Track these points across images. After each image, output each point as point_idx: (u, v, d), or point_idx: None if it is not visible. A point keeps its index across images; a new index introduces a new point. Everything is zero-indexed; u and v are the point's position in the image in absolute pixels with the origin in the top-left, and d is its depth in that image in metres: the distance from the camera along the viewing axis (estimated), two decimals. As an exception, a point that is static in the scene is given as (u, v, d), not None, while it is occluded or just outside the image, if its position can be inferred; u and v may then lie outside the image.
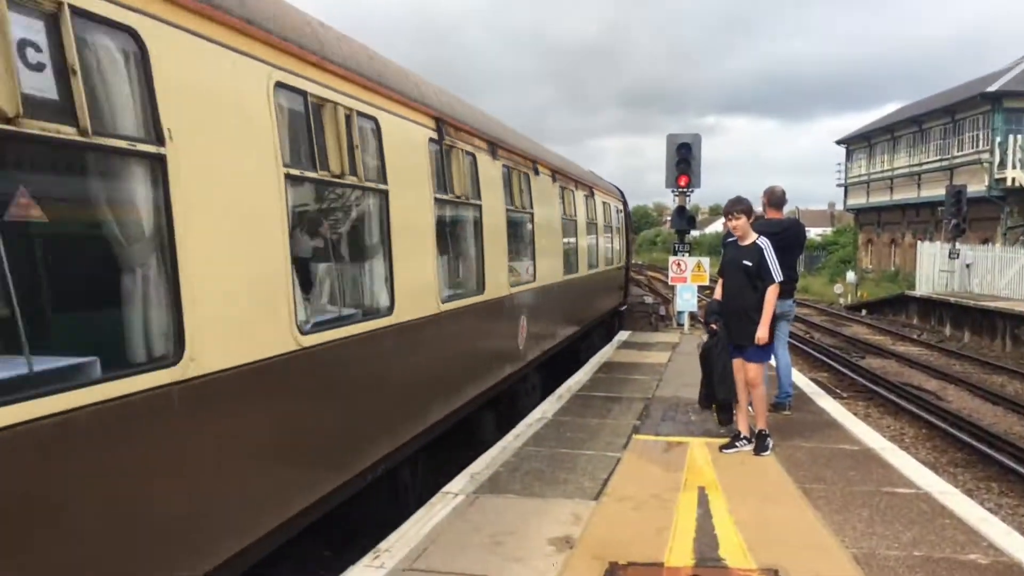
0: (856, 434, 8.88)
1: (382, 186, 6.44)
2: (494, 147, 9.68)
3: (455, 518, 6.06)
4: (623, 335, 18.50)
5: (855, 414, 11.46)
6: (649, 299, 28.12)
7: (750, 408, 8.19)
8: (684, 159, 18.76)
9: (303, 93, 5.30)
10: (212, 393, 4.22)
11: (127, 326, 3.92)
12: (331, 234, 6.11)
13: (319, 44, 5.56)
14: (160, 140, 3.94)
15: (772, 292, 7.69)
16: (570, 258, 14.48)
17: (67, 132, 3.44)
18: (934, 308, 29.96)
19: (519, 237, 11.08)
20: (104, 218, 3.86)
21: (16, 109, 3.16)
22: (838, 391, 16.78)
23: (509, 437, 8.52)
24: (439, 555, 5.36)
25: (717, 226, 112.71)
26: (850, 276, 43.18)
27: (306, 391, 5.23)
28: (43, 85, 3.41)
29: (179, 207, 4.02)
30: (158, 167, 3.94)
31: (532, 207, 11.49)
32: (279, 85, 5.00)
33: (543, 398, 10.97)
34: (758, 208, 9.24)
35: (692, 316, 20.38)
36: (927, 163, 44.48)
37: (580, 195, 15.88)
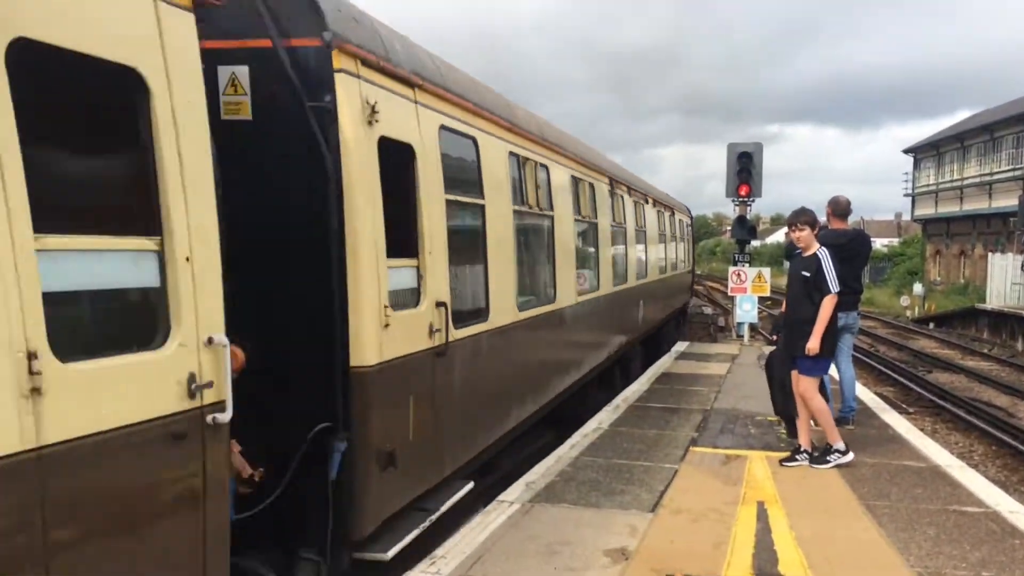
0: (922, 450, 8.64)
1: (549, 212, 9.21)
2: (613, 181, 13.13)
3: (510, 527, 6.07)
4: (681, 346, 18.31)
5: (922, 430, 11.17)
6: (708, 309, 27.78)
7: (814, 423, 8.04)
8: (745, 168, 18.58)
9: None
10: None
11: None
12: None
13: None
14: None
15: (828, 303, 7.54)
16: (657, 262, 18.26)
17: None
18: (1005, 322, 29.04)
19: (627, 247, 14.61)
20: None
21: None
22: (904, 406, 16.37)
23: (565, 447, 8.50)
24: (494, 563, 5.37)
25: (778, 236, 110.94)
26: (917, 288, 42.11)
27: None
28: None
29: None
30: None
31: (644, 225, 16.22)
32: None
33: (650, 362, 15.45)
34: (822, 218, 9.09)
35: (752, 327, 20.09)
36: (999, 172, 43.15)
37: (666, 215, 20.06)
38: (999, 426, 14.51)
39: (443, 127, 6.18)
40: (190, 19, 3.57)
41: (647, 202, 17.20)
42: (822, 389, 8.23)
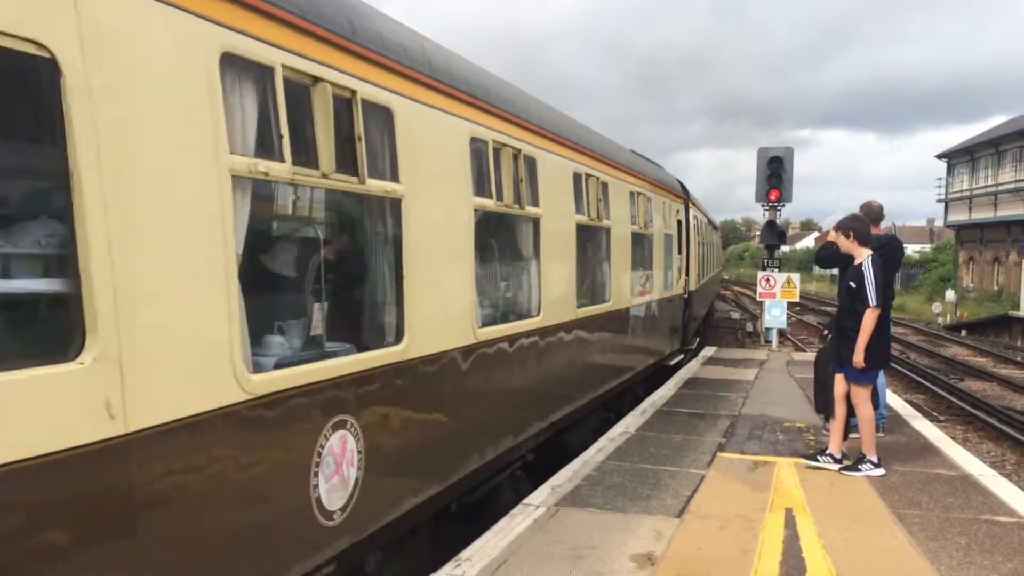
0: (954, 459, 8.53)
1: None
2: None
3: (536, 530, 6.06)
4: (708, 351, 18.21)
5: (953, 438, 11.03)
6: (736, 314, 27.59)
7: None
8: (775, 173, 18.48)
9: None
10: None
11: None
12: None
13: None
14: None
15: (868, 317, 7.50)
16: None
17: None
18: (1041, 330, 28.58)
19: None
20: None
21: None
22: (935, 414, 16.17)
23: (591, 451, 8.48)
24: (519, 566, 5.37)
25: (808, 242, 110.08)
26: (949, 295, 41.59)
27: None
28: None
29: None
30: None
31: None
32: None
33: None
34: None
35: (781, 333, 19.94)
36: (1035, 178, 42.46)
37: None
38: (1033, 436, 14.29)
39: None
40: None
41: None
42: (874, 398, 8.26)
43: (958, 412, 16.87)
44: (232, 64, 3.78)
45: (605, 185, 9.88)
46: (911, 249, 66.71)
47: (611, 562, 5.46)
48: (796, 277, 19.02)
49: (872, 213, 9.13)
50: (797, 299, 22.59)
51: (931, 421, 11.84)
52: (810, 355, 19.12)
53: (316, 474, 4.29)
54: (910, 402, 14.35)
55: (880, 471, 7.71)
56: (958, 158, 52.88)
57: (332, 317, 4.85)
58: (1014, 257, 43.39)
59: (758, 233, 26.84)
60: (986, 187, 48.16)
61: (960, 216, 52.12)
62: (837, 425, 7.97)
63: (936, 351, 27.18)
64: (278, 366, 4.18)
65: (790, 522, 6.33)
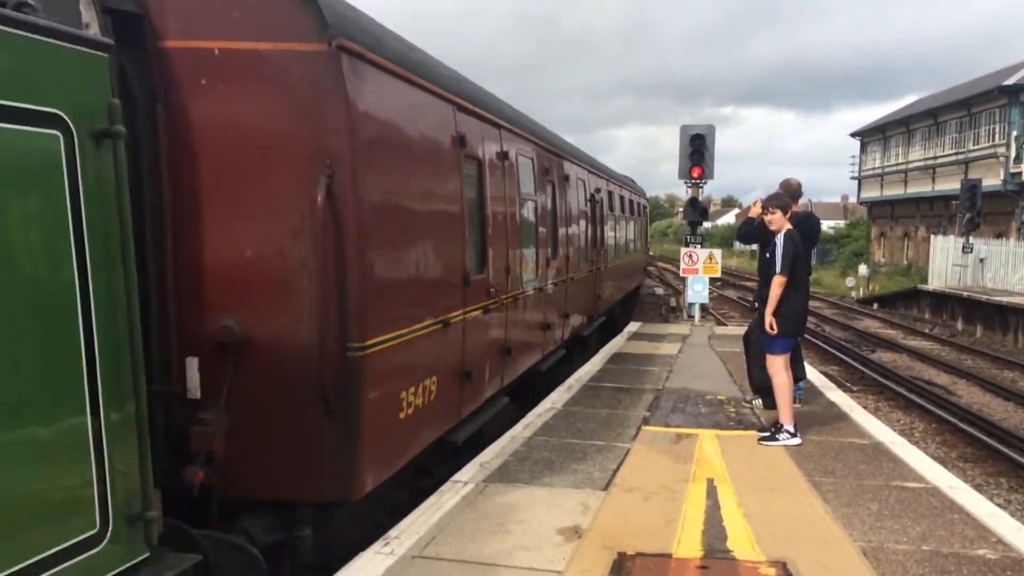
0: (866, 428, 8.87)
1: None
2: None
3: (464, 506, 6.09)
4: (633, 326, 18.48)
5: (865, 408, 11.46)
6: (660, 290, 28.02)
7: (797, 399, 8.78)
8: (698, 150, 18.73)
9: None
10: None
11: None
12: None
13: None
14: None
15: (775, 284, 7.87)
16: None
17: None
18: (946, 303, 29.84)
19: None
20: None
21: None
22: (849, 385, 16.76)
23: (519, 427, 8.54)
24: (448, 543, 5.40)
25: (729, 218, 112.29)
26: (862, 269, 43.01)
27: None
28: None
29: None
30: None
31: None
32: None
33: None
34: None
35: (703, 308, 20.35)
36: (942, 156, 44.18)
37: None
38: (939, 404, 14.96)
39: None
40: None
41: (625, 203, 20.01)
42: (798, 368, 8.64)
43: (870, 382, 17.52)
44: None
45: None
46: (826, 225, 68.45)
47: (539, 535, 5.53)
48: (718, 253, 19.45)
49: (791, 190, 9.37)
50: (719, 274, 23.07)
51: (845, 392, 12.28)
52: (731, 329, 19.60)
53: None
54: (825, 373, 14.83)
55: (796, 440, 7.97)
56: (871, 136, 54.63)
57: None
58: (923, 233, 45.14)
59: (681, 209, 27.18)
60: (897, 165, 49.93)
61: (872, 193, 53.95)
62: (787, 397, 8.19)
63: (850, 324, 28.13)
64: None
65: (712, 492, 6.50)
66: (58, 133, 3.32)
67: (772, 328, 7.93)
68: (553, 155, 11.54)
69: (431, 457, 6.81)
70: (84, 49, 3.49)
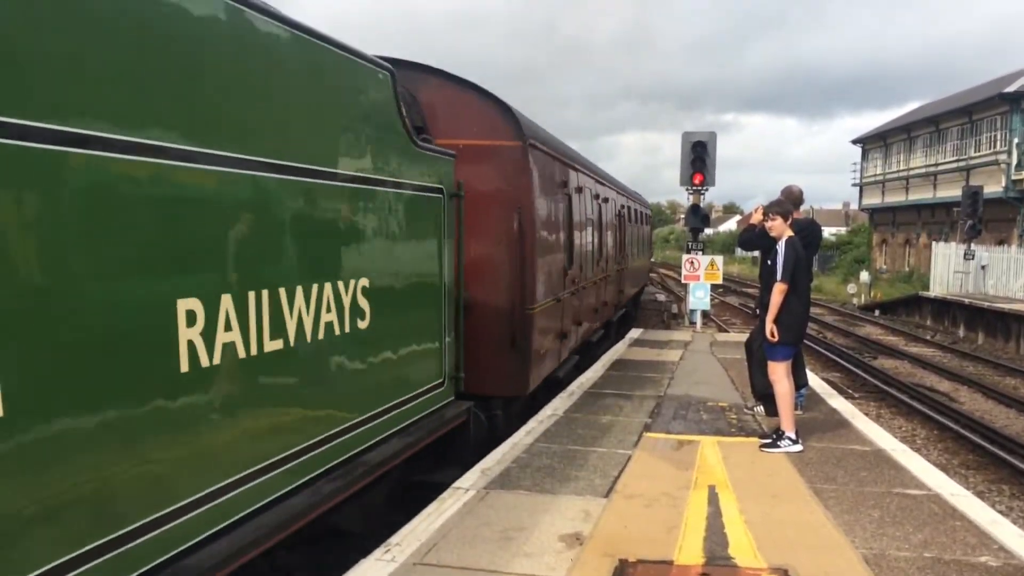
0: (868, 435, 8.87)
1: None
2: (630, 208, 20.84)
3: (466, 513, 6.09)
4: (635, 333, 18.49)
5: (867, 414, 11.45)
6: (661, 296, 28.05)
7: (798, 406, 8.78)
8: (699, 157, 18.76)
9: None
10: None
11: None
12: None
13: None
14: None
15: (775, 291, 7.89)
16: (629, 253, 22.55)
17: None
18: (948, 309, 29.82)
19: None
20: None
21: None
22: (850, 391, 16.76)
23: (520, 433, 8.54)
24: (449, 550, 5.40)
25: (731, 224, 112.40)
26: (864, 276, 42.97)
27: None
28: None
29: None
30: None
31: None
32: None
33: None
34: None
35: (704, 314, 20.36)
36: (943, 163, 44.19)
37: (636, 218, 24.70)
38: (941, 411, 14.95)
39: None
40: None
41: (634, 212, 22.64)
42: (801, 376, 8.69)
43: (872, 389, 17.51)
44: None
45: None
46: (828, 232, 68.60)
47: (540, 543, 5.53)
48: (719, 259, 19.44)
49: (792, 197, 9.38)
50: (720, 281, 23.09)
51: (846, 398, 12.27)
52: (733, 335, 19.59)
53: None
54: (827, 380, 14.83)
55: (798, 447, 7.96)
56: (872, 143, 54.67)
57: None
58: (924, 239, 45.14)
59: (683, 216, 27.20)
60: (898, 172, 49.95)
61: (874, 200, 53.94)
62: (788, 404, 8.18)
63: (851, 331, 28.10)
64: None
65: (713, 499, 6.50)
66: (441, 195, 7.05)
67: (773, 335, 7.95)
68: (600, 183, 15.47)
69: (541, 388, 10.25)
70: (446, 156, 7.26)
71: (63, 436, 3.16)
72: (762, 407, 9.40)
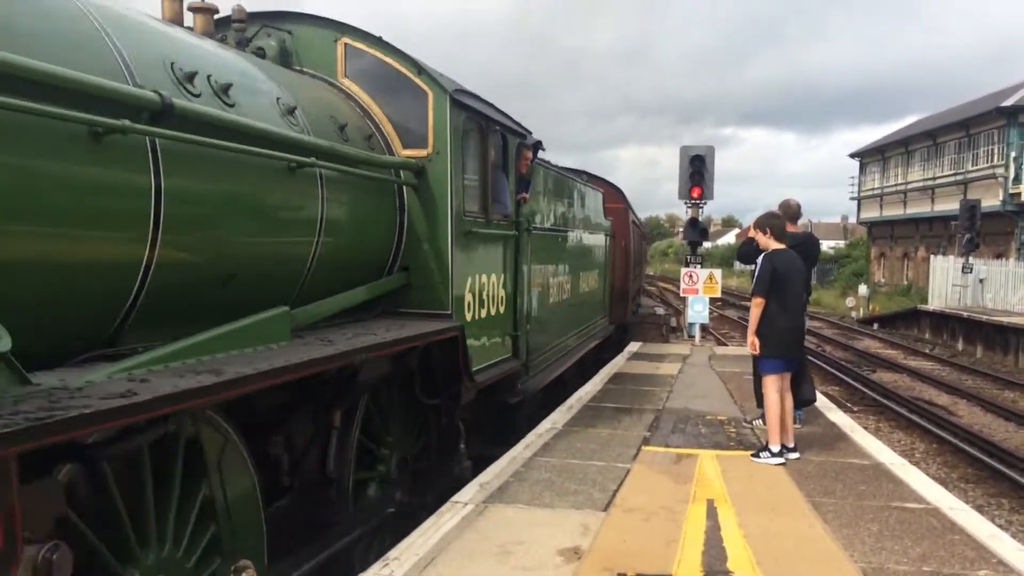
0: (867, 448, 8.87)
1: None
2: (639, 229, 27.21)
3: (464, 527, 6.09)
4: (633, 346, 18.50)
5: (866, 428, 11.45)
6: (660, 310, 28.06)
7: (797, 420, 8.96)
8: (697, 171, 18.84)
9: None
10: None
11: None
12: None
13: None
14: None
15: (753, 305, 8.08)
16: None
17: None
18: (946, 323, 29.82)
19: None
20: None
21: None
22: (849, 405, 16.75)
23: (519, 447, 8.54)
24: (447, 564, 5.39)
25: (729, 238, 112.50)
26: (862, 289, 42.98)
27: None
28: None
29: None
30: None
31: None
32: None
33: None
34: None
35: (703, 328, 20.37)
36: (941, 177, 44.30)
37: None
38: (940, 424, 14.93)
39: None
40: None
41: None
42: (800, 391, 8.79)
43: (871, 402, 17.50)
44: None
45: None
46: (826, 245, 68.72)
47: (539, 557, 5.52)
48: (718, 273, 19.46)
49: (790, 211, 9.43)
50: (719, 294, 23.11)
51: (845, 412, 12.26)
52: (731, 349, 19.61)
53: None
54: (826, 394, 14.82)
55: (778, 460, 7.95)
56: (870, 157, 54.82)
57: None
58: (922, 253, 45.20)
59: (681, 229, 27.32)
60: (896, 185, 50.05)
61: (872, 213, 54.05)
62: (786, 417, 8.22)
63: (850, 344, 28.11)
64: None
65: (712, 513, 6.50)
66: (611, 236, 17.77)
67: (754, 348, 8.10)
68: (633, 215, 21.92)
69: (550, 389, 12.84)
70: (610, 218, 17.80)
71: (543, 320, 11.09)
72: (761, 420, 9.40)
